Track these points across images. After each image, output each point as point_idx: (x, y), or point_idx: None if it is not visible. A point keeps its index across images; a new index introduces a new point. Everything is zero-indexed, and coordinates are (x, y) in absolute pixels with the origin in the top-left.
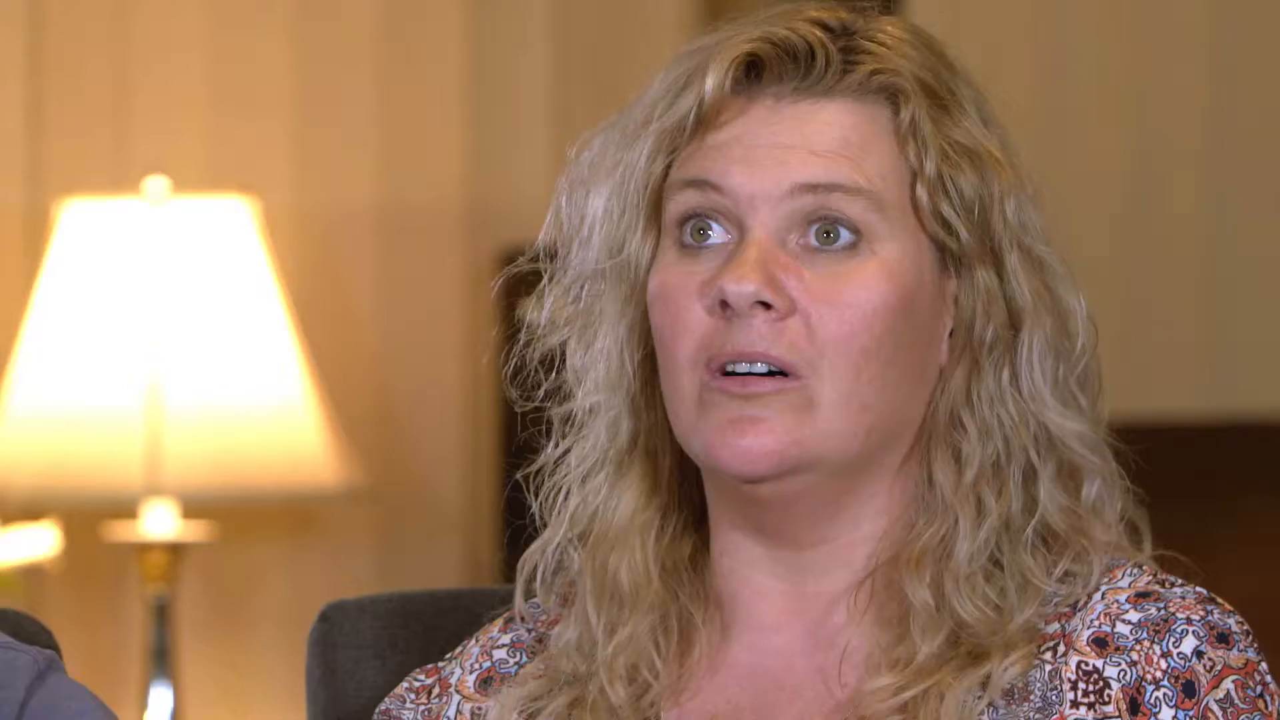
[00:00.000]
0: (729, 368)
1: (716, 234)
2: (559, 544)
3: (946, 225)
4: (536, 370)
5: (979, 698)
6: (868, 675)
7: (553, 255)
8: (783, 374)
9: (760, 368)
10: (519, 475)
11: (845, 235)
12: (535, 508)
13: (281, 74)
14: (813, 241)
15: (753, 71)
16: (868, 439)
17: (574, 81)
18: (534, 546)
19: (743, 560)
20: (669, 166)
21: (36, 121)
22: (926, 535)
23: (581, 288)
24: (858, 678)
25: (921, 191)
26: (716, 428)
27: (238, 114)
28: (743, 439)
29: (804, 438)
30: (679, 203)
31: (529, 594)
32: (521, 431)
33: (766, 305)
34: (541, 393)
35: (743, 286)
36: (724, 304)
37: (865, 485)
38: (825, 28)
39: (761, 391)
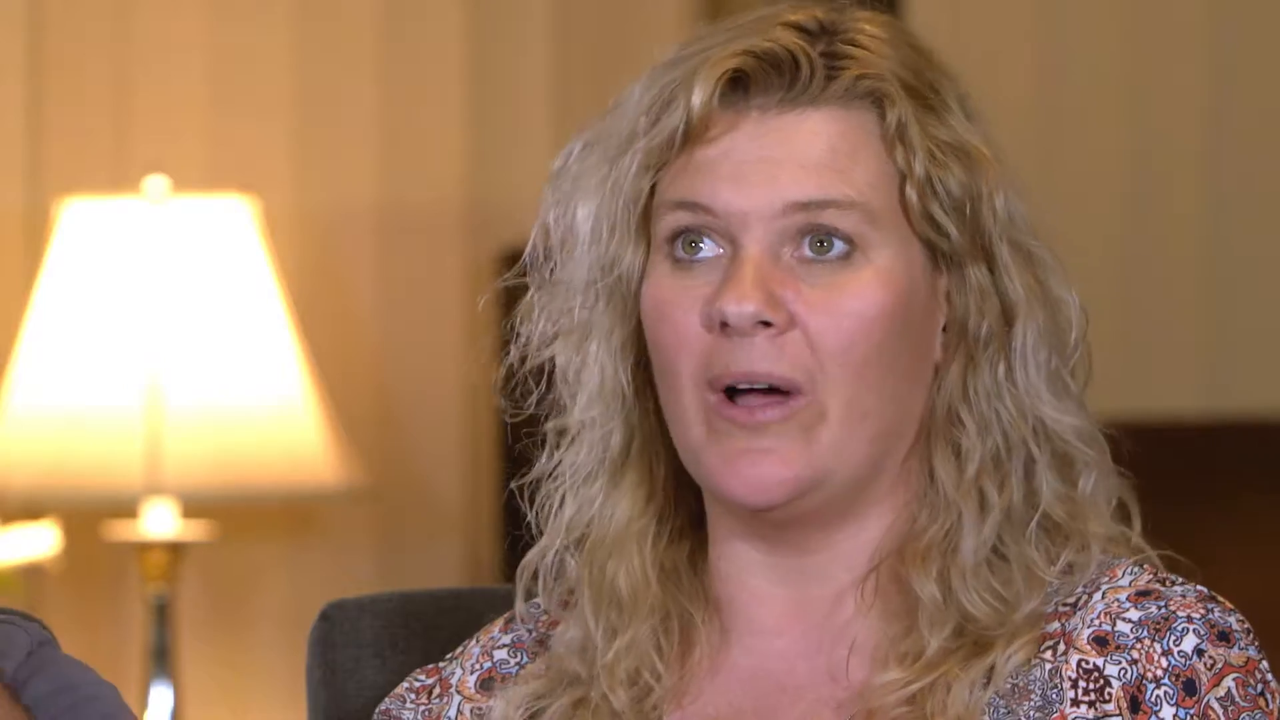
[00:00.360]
0: (730, 384)
1: (708, 248)
2: (557, 550)
3: (937, 226)
4: (527, 380)
5: (984, 687)
6: (875, 669)
7: (539, 268)
8: (784, 391)
9: (762, 384)
10: (513, 485)
11: (839, 246)
12: (531, 516)
13: (281, 74)
14: (807, 253)
15: (738, 84)
16: (872, 446)
17: (574, 81)
18: (532, 552)
19: (741, 566)
20: (655, 181)
21: (36, 121)
22: (931, 530)
23: (572, 301)
24: (865, 672)
25: (911, 194)
26: (726, 458)
27: (238, 114)
28: (754, 469)
29: (813, 458)
30: (669, 221)
31: (529, 596)
32: (515, 441)
33: (767, 323)
34: (533, 402)
35: (743, 307)
36: (724, 324)
37: (871, 491)
38: (804, 31)
39: (768, 420)
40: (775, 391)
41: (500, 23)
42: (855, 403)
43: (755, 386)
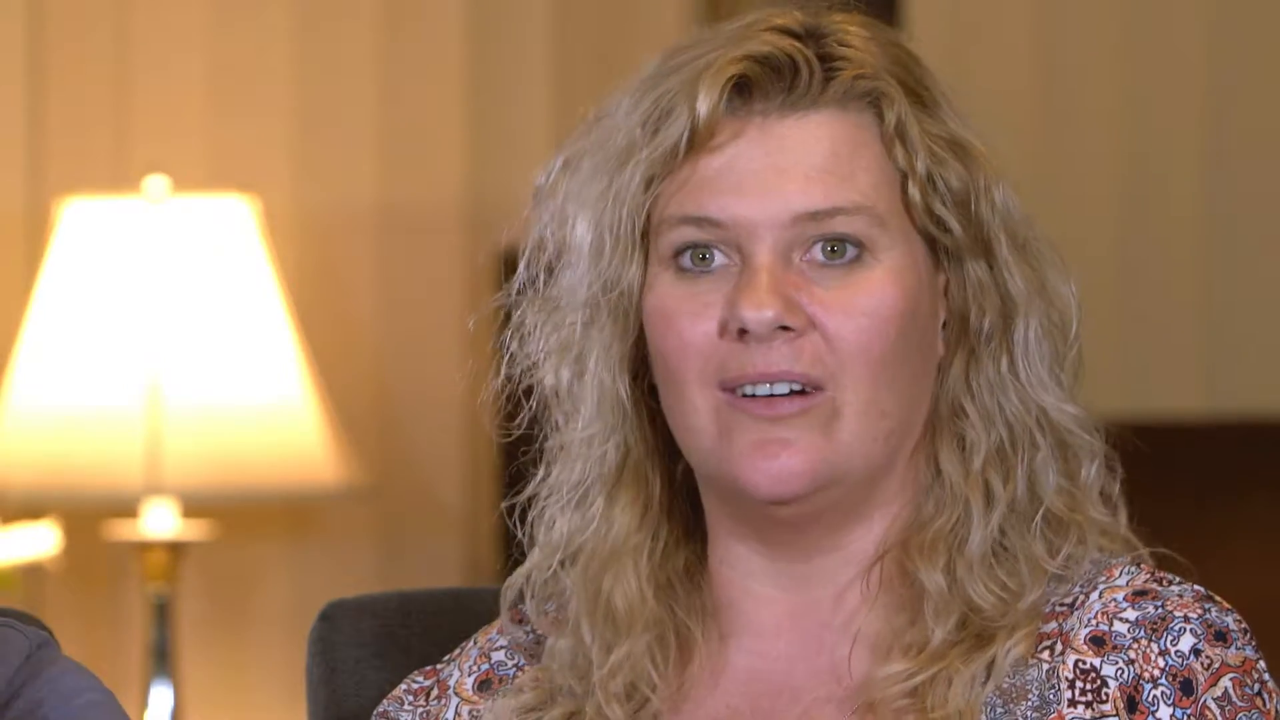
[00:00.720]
0: (748, 390)
1: (717, 259)
2: (550, 570)
3: (940, 222)
4: (518, 399)
5: (984, 683)
6: (878, 661)
7: (530, 285)
8: (803, 391)
9: (782, 388)
10: (504, 505)
11: (850, 251)
12: (522, 534)
13: (281, 74)
14: (819, 258)
15: (740, 90)
16: (887, 444)
17: (574, 82)
18: (518, 573)
19: (743, 571)
20: (657, 193)
21: (36, 121)
22: (939, 522)
23: (571, 316)
24: (868, 665)
25: (914, 191)
26: (743, 452)
27: (238, 114)
28: (773, 462)
29: (831, 453)
30: (674, 236)
31: (517, 613)
32: (510, 459)
33: (786, 328)
34: (524, 420)
35: (762, 313)
36: (741, 330)
37: (881, 489)
38: (793, 35)
39: (786, 413)
40: (793, 395)
41: (500, 23)
42: (873, 401)
43: (774, 392)
